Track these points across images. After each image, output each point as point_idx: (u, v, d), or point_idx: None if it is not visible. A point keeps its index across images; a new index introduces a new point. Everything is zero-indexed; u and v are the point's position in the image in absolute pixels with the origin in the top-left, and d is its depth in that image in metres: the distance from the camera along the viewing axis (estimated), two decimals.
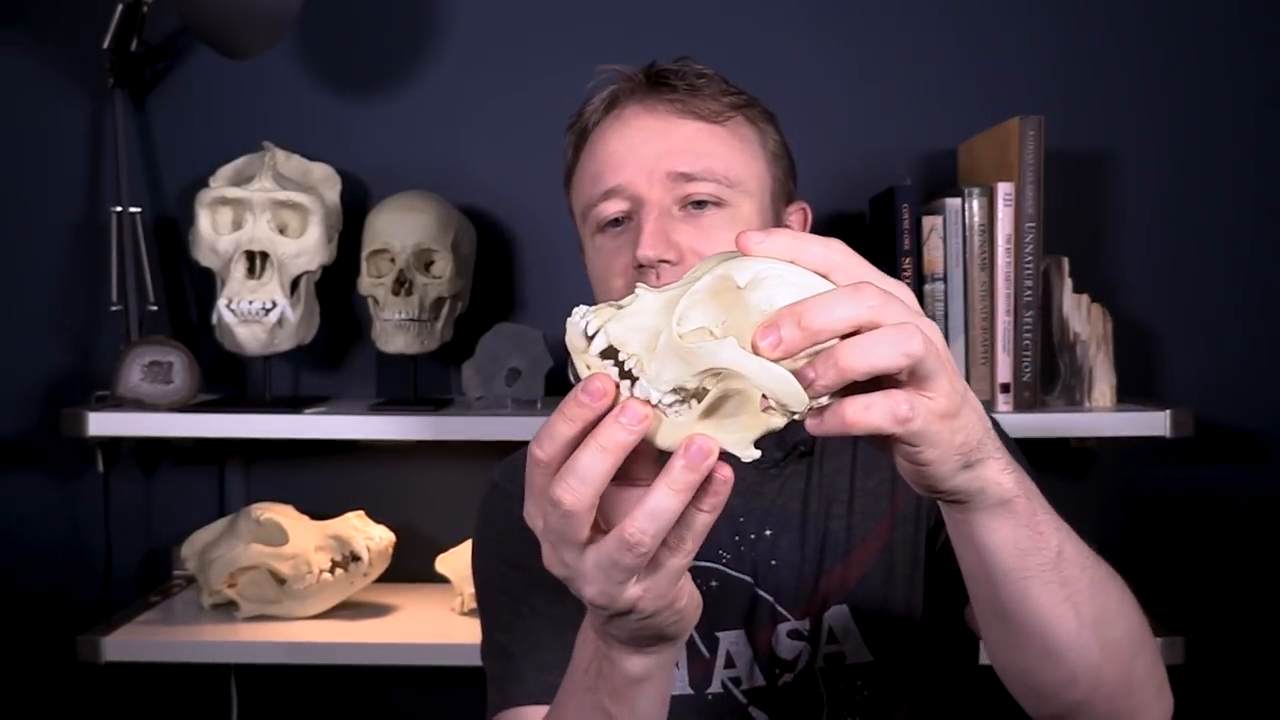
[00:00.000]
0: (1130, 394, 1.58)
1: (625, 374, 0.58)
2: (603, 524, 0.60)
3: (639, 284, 0.60)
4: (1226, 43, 1.70)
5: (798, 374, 0.54)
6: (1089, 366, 1.53)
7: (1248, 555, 1.71)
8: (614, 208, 0.98)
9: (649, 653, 0.68)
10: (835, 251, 0.57)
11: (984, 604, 0.72)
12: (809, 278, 0.56)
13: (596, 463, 0.56)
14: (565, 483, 0.57)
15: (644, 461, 0.60)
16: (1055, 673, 0.71)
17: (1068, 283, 1.54)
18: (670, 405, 0.57)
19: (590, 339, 0.58)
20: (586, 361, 0.58)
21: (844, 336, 0.55)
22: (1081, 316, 1.53)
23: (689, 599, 0.65)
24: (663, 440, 0.57)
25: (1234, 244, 1.71)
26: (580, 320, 0.59)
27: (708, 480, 0.57)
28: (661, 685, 0.72)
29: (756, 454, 0.57)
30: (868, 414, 0.55)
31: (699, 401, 0.57)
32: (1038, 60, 1.71)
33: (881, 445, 0.62)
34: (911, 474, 0.61)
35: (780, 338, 0.53)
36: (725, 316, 0.56)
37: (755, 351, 0.54)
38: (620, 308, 0.58)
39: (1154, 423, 1.45)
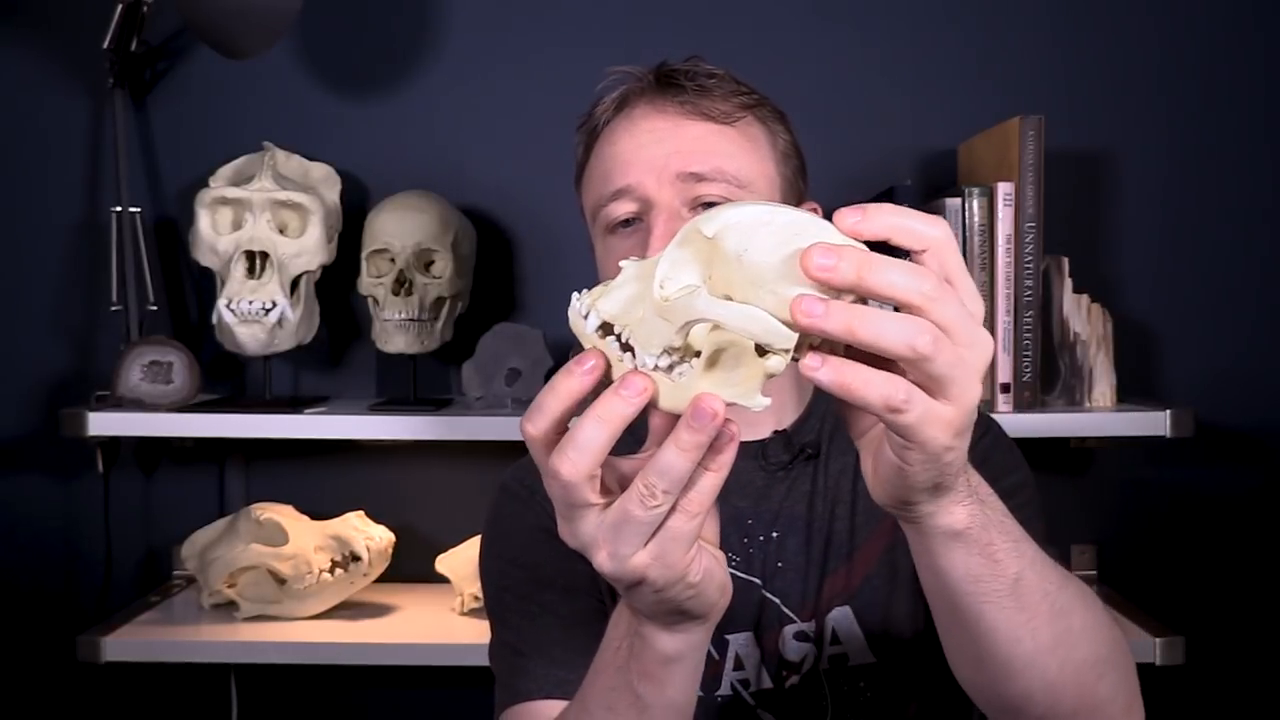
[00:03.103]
0: (1130, 394, 1.59)
1: (626, 345, 0.58)
2: (617, 492, 0.61)
3: (623, 260, 0.61)
4: (1227, 43, 1.70)
5: (803, 301, 0.53)
6: (1089, 366, 1.53)
7: (1248, 555, 1.71)
8: (623, 209, 0.98)
9: (677, 631, 0.68)
10: (943, 234, 0.57)
11: (940, 619, 0.73)
12: (783, 214, 0.55)
13: (595, 434, 0.57)
14: (563, 454, 0.58)
15: (661, 428, 0.60)
16: (1010, 689, 0.72)
17: (1068, 283, 1.54)
18: (672, 367, 0.57)
19: (586, 318, 0.59)
20: (590, 342, 0.59)
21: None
22: (1081, 316, 1.53)
23: (706, 576, 0.64)
24: (666, 403, 0.58)
25: (1234, 244, 1.71)
26: (577, 302, 0.60)
27: (715, 439, 0.57)
28: (691, 671, 0.71)
29: (766, 401, 0.56)
30: (865, 388, 0.54)
31: (698, 358, 0.57)
32: (1038, 60, 1.71)
33: (860, 433, 0.63)
34: (889, 472, 0.61)
35: (836, 266, 0.53)
36: (710, 271, 0.56)
37: (804, 267, 0.53)
38: (607, 285, 0.59)
39: (1154, 423, 1.46)
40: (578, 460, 0.58)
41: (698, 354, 0.57)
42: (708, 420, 0.56)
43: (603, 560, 0.61)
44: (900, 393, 0.55)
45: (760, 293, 0.54)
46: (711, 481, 0.60)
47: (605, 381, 0.58)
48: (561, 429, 0.59)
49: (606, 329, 0.59)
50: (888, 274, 0.53)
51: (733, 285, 0.55)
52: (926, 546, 0.66)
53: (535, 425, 0.59)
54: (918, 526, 0.64)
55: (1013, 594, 0.67)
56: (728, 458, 0.59)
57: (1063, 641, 0.70)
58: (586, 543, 0.61)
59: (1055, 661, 0.70)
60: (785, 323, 0.54)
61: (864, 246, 0.55)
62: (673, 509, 0.59)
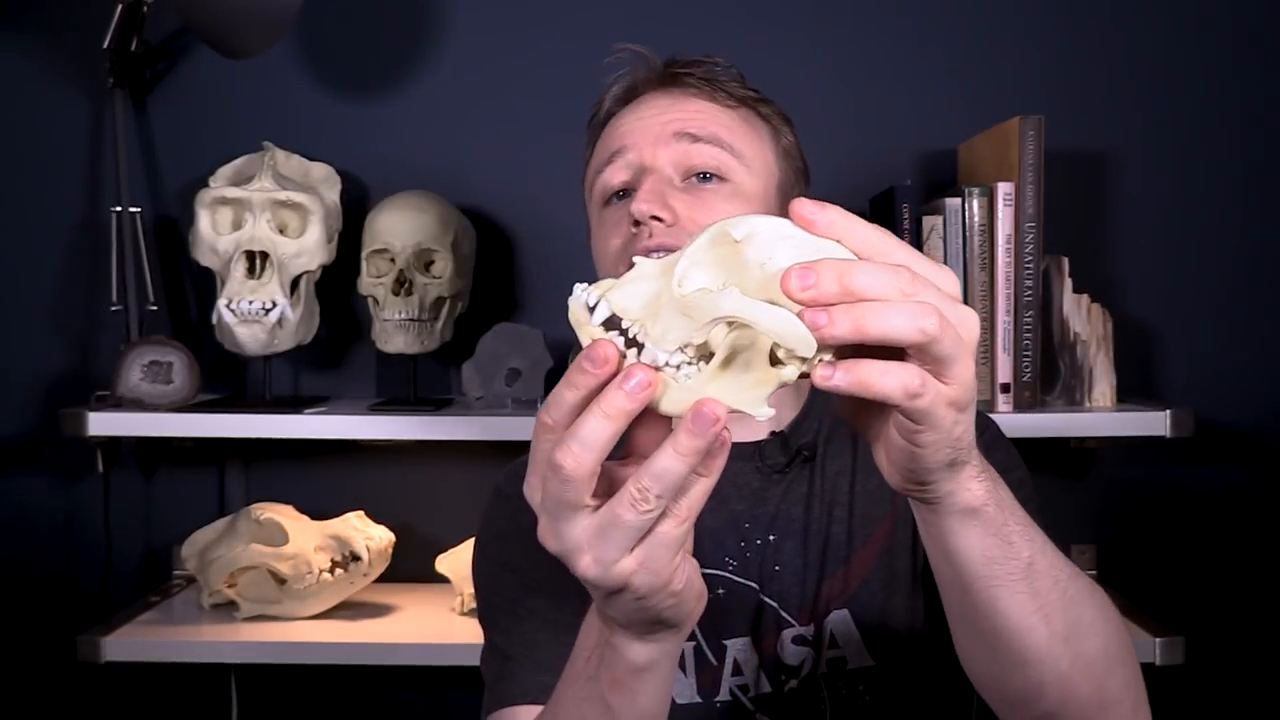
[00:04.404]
0: (1130, 394, 1.58)
1: (631, 342, 0.57)
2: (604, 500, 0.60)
3: (635, 256, 0.60)
4: (1226, 43, 1.70)
5: (806, 315, 0.53)
6: (1089, 366, 1.52)
7: (1248, 555, 1.71)
8: (619, 176, 0.99)
9: (651, 640, 0.67)
10: (879, 237, 0.57)
11: (954, 609, 0.73)
12: (807, 235, 0.56)
13: (599, 428, 0.56)
14: (566, 447, 0.57)
15: (647, 439, 0.60)
16: (1024, 681, 0.71)
17: (1068, 283, 1.54)
18: (679, 367, 0.56)
19: (592, 310, 0.57)
20: (590, 334, 0.58)
21: None
22: (1081, 316, 1.53)
23: (687, 585, 0.63)
24: (668, 406, 0.56)
25: (1234, 244, 1.71)
26: (581, 294, 0.58)
27: None
28: (663, 680, 0.70)
29: (770, 412, 0.56)
30: (883, 379, 0.55)
31: (707, 363, 0.56)
32: (1038, 60, 1.71)
33: (870, 424, 0.62)
34: (902, 456, 0.61)
35: (818, 283, 0.53)
36: (726, 275, 0.55)
37: (784, 287, 0.53)
38: (619, 279, 0.58)
39: (1154, 423, 1.45)
40: (581, 455, 0.56)
41: (709, 356, 0.56)
42: (709, 425, 0.55)
43: (587, 565, 0.60)
44: (916, 378, 0.55)
45: (777, 303, 0.54)
46: (703, 487, 0.59)
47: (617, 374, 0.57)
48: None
49: (610, 324, 0.57)
50: (865, 276, 0.54)
51: (748, 293, 0.54)
52: (944, 527, 0.65)
53: (552, 416, 0.58)
54: (935, 507, 0.64)
55: (1026, 578, 0.67)
56: (720, 462, 0.58)
57: (1075, 632, 0.70)
58: (571, 547, 0.60)
59: (1068, 652, 0.70)
60: None
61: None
62: (662, 514, 0.58)
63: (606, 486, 0.60)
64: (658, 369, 0.56)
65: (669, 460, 0.56)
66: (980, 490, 0.64)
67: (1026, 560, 0.67)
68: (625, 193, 0.99)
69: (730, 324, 0.55)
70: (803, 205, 0.56)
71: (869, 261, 0.55)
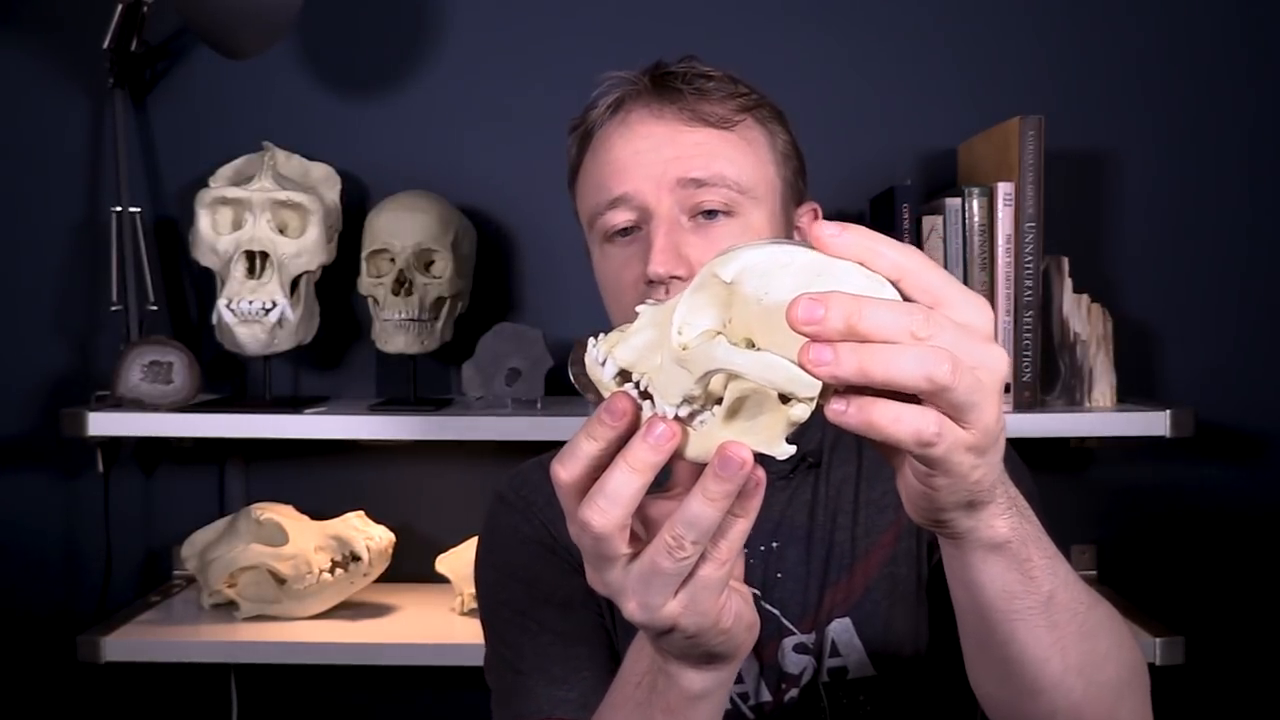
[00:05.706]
0: (1130, 394, 1.58)
1: (645, 394, 0.57)
2: (644, 537, 0.59)
3: (640, 305, 0.59)
4: (1226, 43, 1.70)
5: (810, 350, 0.51)
6: (1089, 366, 1.53)
7: (1247, 555, 1.71)
8: (621, 218, 0.96)
9: (707, 670, 0.67)
10: (909, 259, 0.54)
11: (969, 634, 0.72)
12: (802, 254, 0.54)
13: (625, 483, 0.56)
14: (594, 504, 0.56)
15: (686, 469, 0.60)
16: (1035, 708, 0.71)
17: (1068, 283, 1.54)
18: (690, 417, 0.56)
19: (603, 366, 0.57)
20: (607, 388, 0.58)
21: None
22: (1081, 316, 1.53)
23: (736, 620, 0.63)
24: (692, 452, 0.56)
25: (1233, 244, 1.71)
26: (593, 349, 0.58)
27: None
28: (718, 706, 0.70)
29: (790, 450, 0.55)
30: (895, 425, 0.52)
31: (719, 405, 0.55)
32: (1038, 60, 1.71)
33: (890, 455, 0.61)
34: (915, 495, 0.59)
35: (825, 318, 0.51)
36: (725, 313, 0.54)
37: (790, 321, 0.51)
38: (624, 331, 0.58)
39: (1154, 423, 1.45)
40: (609, 510, 0.56)
41: (719, 400, 0.55)
42: (736, 470, 0.54)
43: (633, 610, 0.60)
44: (931, 425, 0.53)
45: (782, 337, 0.52)
46: (741, 528, 0.58)
47: (635, 426, 0.57)
48: (594, 475, 0.57)
49: (625, 376, 0.57)
50: (875, 316, 0.51)
51: (753, 329, 0.53)
52: (965, 561, 0.64)
53: (569, 470, 0.57)
54: (958, 541, 0.63)
55: (1045, 612, 0.66)
56: (756, 502, 0.57)
57: (1089, 662, 0.70)
58: (616, 591, 0.60)
59: (1081, 682, 0.69)
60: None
61: (886, 281, 0.54)
62: (702, 557, 0.58)
63: (645, 523, 0.60)
64: (677, 418, 0.56)
65: (699, 507, 0.56)
66: (1004, 528, 0.62)
67: (1047, 594, 0.66)
68: (628, 230, 0.96)
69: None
70: (822, 228, 0.54)
71: (882, 300, 0.52)
